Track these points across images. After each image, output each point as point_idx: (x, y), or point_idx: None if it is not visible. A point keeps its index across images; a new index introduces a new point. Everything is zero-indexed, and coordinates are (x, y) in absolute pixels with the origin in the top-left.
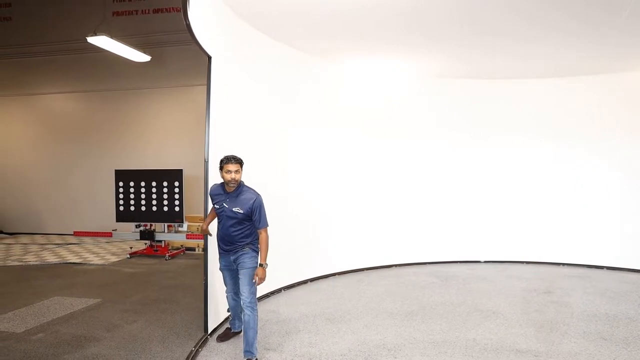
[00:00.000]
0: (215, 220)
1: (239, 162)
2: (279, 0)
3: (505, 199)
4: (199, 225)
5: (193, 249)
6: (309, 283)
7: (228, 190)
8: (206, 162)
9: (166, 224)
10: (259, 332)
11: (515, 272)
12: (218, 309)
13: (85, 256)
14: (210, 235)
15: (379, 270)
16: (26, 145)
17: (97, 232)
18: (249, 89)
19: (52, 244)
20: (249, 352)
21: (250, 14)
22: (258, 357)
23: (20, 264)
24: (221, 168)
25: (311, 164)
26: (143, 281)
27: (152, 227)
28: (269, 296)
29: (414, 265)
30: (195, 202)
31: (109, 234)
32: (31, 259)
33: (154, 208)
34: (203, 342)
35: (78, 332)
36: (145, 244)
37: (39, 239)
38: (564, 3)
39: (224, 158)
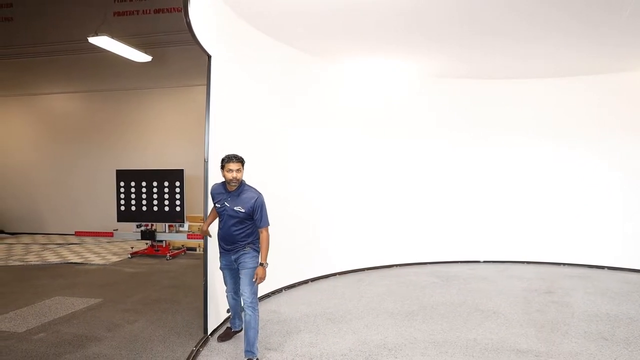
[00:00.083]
0: (216, 221)
1: (241, 161)
2: (279, 0)
3: (505, 199)
4: (199, 225)
5: (194, 249)
6: (310, 283)
7: (229, 189)
8: (206, 162)
9: (167, 224)
10: (259, 331)
11: (516, 272)
12: (218, 309)
13: (86, 256)
14: (210, 236)
15: (379, 270)
16: (27, 145)
17: (98, 232)
18: (249, 88)
19: (54, 243)
20: (249, 352)
21: (250, 13)
22: (259, 356)
23: (22, 263)
24: (222, 167)
25: (312, 163)
26: (144, 281)
27: (153, 227)
28: (270, 296)
29: (415, 265)
30: (196, 202)
31: (110, 234)
32: (32, 259)
33: (155, 208)
34: (204, 342)
35: (79, 331)
36: (147, 243)
37: (40, 238)
38: (564, 3)
39: (225, 157)
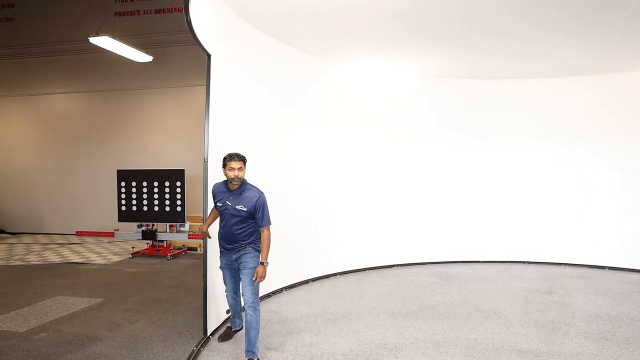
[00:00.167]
0: (216, 222)
1: (242, 159)
2: (280, 0)
3: (506, 199)
4: (200, 226)
5: (195, 249)
6: (311, 283)
7: (231, 188)
8: (206, 162)
9: (168, 224)
10: (260, 331)
11: (516, 272)
12: (218, 309)
13: (87, 256)
14: (210, 237)
15: (380, 270)
16: (28, 145)
17: (99, 232)
18: (249, 88)
19: (55, 243)
20: (250, 351)
21: (251, 13)
22: (259, 356)
23: (23, 263)
24: (224, 165)
25: (312, 163)
26: (145, 281)
27: (154, 227)
28: (271, 296)
29: (416, 265)
30: (196, 202)
31: (111, 234)
32: (34, 259)
33: (156, 208)
34: (205, 342)
35: (80, 331)
36: (147, 243)
37: (42, 238)
38: (564, 3)
39: (227, 155)
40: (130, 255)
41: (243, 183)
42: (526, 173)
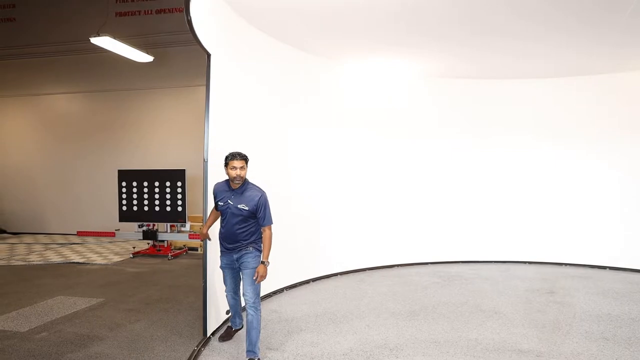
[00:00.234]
0: (216, 223)
1: (244, 158)
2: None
3: (507, 199)
4: (200, 226)
5: (195, 249)
6: (311, 283)
7: (233, 187)
8: (205, 162)
9: (169, 224)
10: (261, 331)
11: (517, 272)
12: (219, 310)
13: (88, 256)
14: (210, 240)
15: (381, 270)
16: (30, 145)
17: (100, 232)
18: (249, 88)
19: (56, 243)
20: (251, 351)
21: (251, 13)
22: (260, 356)
23: (24, 263)
24: (226, 165)
25: (313, 163)
26: (146, 281)
27: (155, 227)
28: (272, 296)
29: (417, 265)
30: (197, 202)
31: (112, 234)
32: (35, 259)
33: (157, 208)
34: (205, 342)
35: (81, 331)
36: (148, 243)
37: (43, 238)
38: (565, 2)
39: (229, 154)
40: (131, 255)
41: (245, 182)
42: (527, 173)
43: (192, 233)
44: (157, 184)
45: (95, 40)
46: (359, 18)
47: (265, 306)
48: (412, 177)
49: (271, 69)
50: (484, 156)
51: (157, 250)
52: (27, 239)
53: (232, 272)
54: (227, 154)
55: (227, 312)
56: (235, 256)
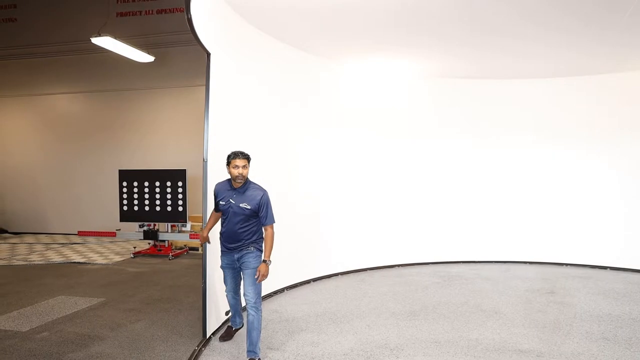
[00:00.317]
0: (215, 226)
1: (247, 157)
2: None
3: (507, 199)
4: (201, 226)
5: (196, 249)
6: (312, 283)
7: (235, 186)
8: (205, 162)
9: (170, 224)
10: (262, 331)
11: (518, 272)
12: (219, 310)
13: (89, 256)
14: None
15: (382, 270)
16: (30, 145)
17: (101, 232)
18: (249, 87)
19: (57, 243)
20: (252, 352)
21: (252, 12)
22: (261, 356)
23: (25, 263)
24: (228, 163)
25: (314, 163)
26: (146, 281)
27: (156, 227)
28: (272, 296)
29: (417, 265)
30: (198, 202)
31: (112, 234)
32: (36, 259)
33: (158, 208)
34: (206, 342)
35: (82, 331)
36: (149, 243)
37: (44, 238)
38: (565, 2)
39: (232, 153)
40: (132, 255)
41: (247, 181)
42: (527, 173)
43: (192, 233)
44: (157, 183)
45: (96, 41)
46: (359, 18)
47: (266, 306)
48: (412, 177)
49: (271, 69)
50: (484, 156)
51: (158, 250)
52: (28, 238)
53: (233, 272)
54: (227, 153)
55: (227, 313)
56: (236, 256)
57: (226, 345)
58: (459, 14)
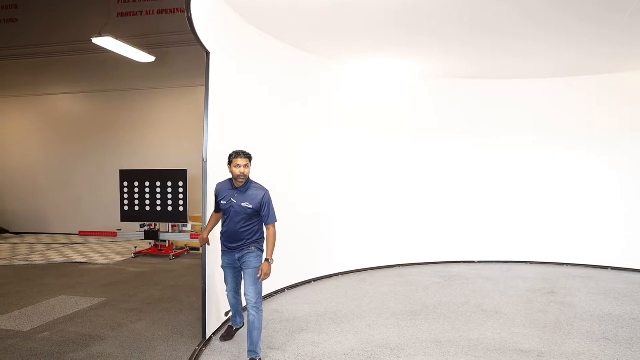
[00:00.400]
0: (215, 227)
1: (248, 156)
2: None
3: (508, 199)
4: (201, 226)
5: (197, 249)
6: (313, 283)
7: (237, 186)
8: (205, 162)
9: (170, 224)
10: (262, 331)
11: (519, 272)
12: (219, 310)
13: (90, 256)
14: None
15: (382, 270)
16: (31, 145)
17: (102, 232)
18: (249, 87)
19: (58, 243)
20: (252, 351)
21: (252, 12)
22: (261, 356)
23: (26, 263)
24: (230, 163)
25: (314, 163)
26: (147, 280)
27: (157, 227)
28: (273, 295)
29: (418, 265)
30: (199, 202)
31: (113, 234)
32: (37, 259)
33: (159, 208)
34: (206, 342)
35: (83, 330)
36: (150, 243)
37: (45, 238)
38: (565, 2)
39: (233, 152)
40: (132, 255)
41: (248, 181)
42: (527, 173)
43: (193, 233)
44: (158, 183)
45: (97, 41)
46: (359, 18)
47: (267, 306)
48: (413, 177)
49: (271, 69)
50: (484, 156)
51: (159, 250)
52: (30, 238)
53: (234, 272)
54: (227, 153)
55: (227, 314)
56: (237, 256)
57: (227, 345)
58: (460, 14)
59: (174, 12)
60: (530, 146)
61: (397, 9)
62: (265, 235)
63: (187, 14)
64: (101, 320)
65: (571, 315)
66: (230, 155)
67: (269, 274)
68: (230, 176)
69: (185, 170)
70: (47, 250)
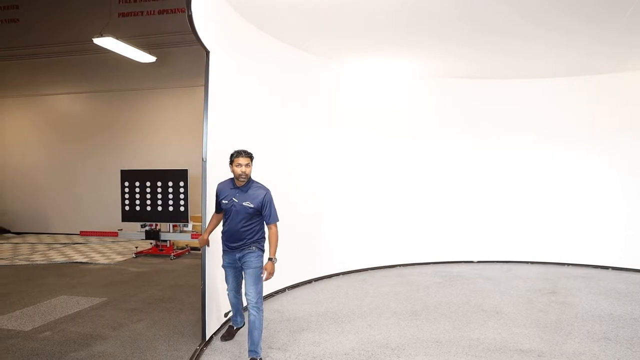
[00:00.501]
0: (216, 229)
1: (250, 156)
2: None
3: (508, 199)
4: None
5: (198, 249)
6: (313, 282)
7: (238, 185)
8: (204, 162)
9: (171, 224)
10: (263, 331)
11: (519, 272)
12: (220, 309)
13: (91, 255)
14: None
15: (383, 270)
16: (33, 145)
17: (103, 232)
18: (249, 87)
19: (59, 243)
20: (253, 351)
21: (251, 12)
22: (262, 356)
23: (28, 263)
24: (231, 162)
25: (314, 163)
26: (148, 280)
27: (158, 227)
28: (274, 295)
29: (418, 265)
30: (200, 202)
31: (114, 234)
32: (38, 258)
33: (159, 208)
34: (207, 341)
35: (84, 330)
36: (151, 243)
37: (46, 238)
38: (565, 2)
39: (235, 152)
40: (133, 255)
41: (249, 180)
42: (527, 173)
43: (194, 233)
44: (159, 184)
45: (98, 41)
46: (359, 17)
47: (268, 306)
48: (413, 177)
49: (271, 69)
50: (484, 156)
51: (160, 250)
52: (31, 238)
53: (234, 272)
54: (227, 153)
55: (226, 315)
56: (237, 255)
57: (227, 344)
58: (460, 14)
59: (174, 12)
60: (530, 146)
61: (397, 9)
62: (266, 235)
63: (188, 12)
64: (102, 320)
65: (572, 315)
66: (232, 155)
67: (273, 273)
68: (232, 176)
69: (186, 170)
70: (48, 250)
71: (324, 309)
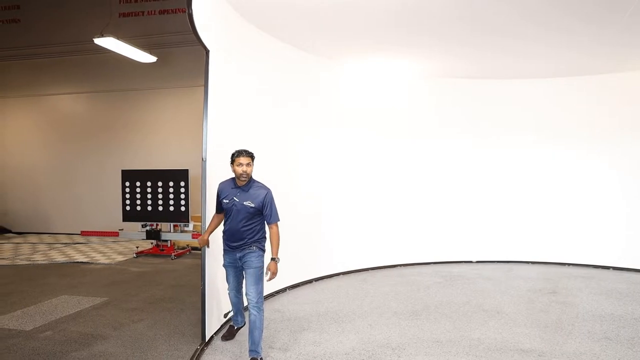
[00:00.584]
0: (217, 228)
1: (251, 155)
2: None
3: (509, 199)
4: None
5: (198, 249)
6: (314, 282)
7: (239, 184)
8: (204, 162)
9: (172, 224)
10: (264, 331)
11: (520, 272)
12: (220, 309)
13: (92, 255)
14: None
15: (383, 270)
16: (34, 146)
17: (104, 232)
18: (249, 86)
19: (60, 243)
20: (254, 351)
21: (251, 12)
22: (263, 356)
23: (29, 262)
24: (232, 161)
25: (314, 163)
26: (149, 280)
27: (158, 227)
28: (274, 295)
29: (419, 265)
30: (200, 202)
31: (115, 234)
32: (39, 258)
33: (160, 208)
34: (208, 341)
35: (85, 330)
36: (152, 243)
37: (47, 238)
38: (565, 2)
39: (236, 151)
40: (134, 255)
41: (250, 180)
42: (527, 173)
43: (195, 233)
44: (160, 184)
45: (98, 41)
46: (359, 17)
47: (268, 305)
48: (413, 177)
49: (271, 69)
50: (484, 156)
51: (161, 250)
52: (32, 238)
53: (235, 271)
54: (227, 153)
55: (225, 315)
56: (238, 255)
57: (228, 344)
58: (460, 14)
59: (175, 12)
60: (530, 146)
61: (397, 9)
62: (267, 235)
63: (188, 11)
64: (103, 319)
65: (572, 315)
66: (233, 154)
67: (276, 272)
68: (233, 175)
69: (187, 170)
70: (49, 250)
71: (325, 309)
